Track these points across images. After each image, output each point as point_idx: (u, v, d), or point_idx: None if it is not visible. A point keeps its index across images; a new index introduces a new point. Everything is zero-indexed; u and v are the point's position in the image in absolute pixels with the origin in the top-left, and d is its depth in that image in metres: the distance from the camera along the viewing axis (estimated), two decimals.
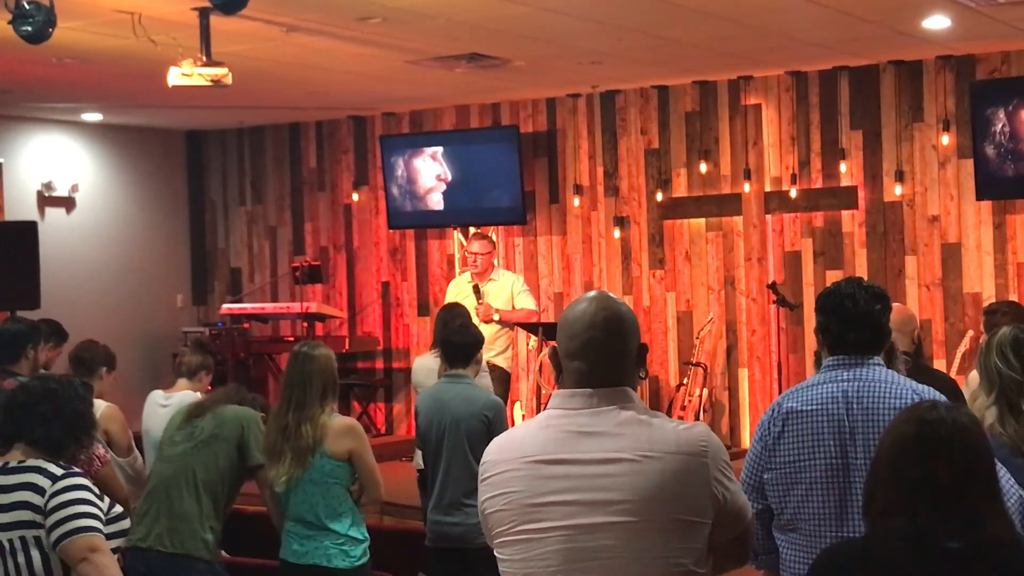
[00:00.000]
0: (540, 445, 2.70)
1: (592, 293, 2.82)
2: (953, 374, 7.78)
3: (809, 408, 3.62)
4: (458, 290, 9.37)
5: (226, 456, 5.25)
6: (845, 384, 3.60)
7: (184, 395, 6.25)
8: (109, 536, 3.94)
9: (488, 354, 8.36)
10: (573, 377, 2.74)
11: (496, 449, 2.79)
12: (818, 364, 4.79)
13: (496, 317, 8.97)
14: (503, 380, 8.86)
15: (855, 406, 3.55)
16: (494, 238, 10.24)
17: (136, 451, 6.10)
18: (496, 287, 9.25)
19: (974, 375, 5.40)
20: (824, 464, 3.58)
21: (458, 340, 5.92)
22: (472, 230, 10.81)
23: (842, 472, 3.56)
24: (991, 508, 2.59)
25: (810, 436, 3.61)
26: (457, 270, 11.01)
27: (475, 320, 8.19)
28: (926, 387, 3.64)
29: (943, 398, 3.55)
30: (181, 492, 5.18)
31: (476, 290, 9.09)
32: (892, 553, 2.55)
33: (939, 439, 2.60)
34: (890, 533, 2.57)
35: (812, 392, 3.66)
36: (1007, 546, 2.56)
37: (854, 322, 3.64)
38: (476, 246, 9.36)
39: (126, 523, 4.18)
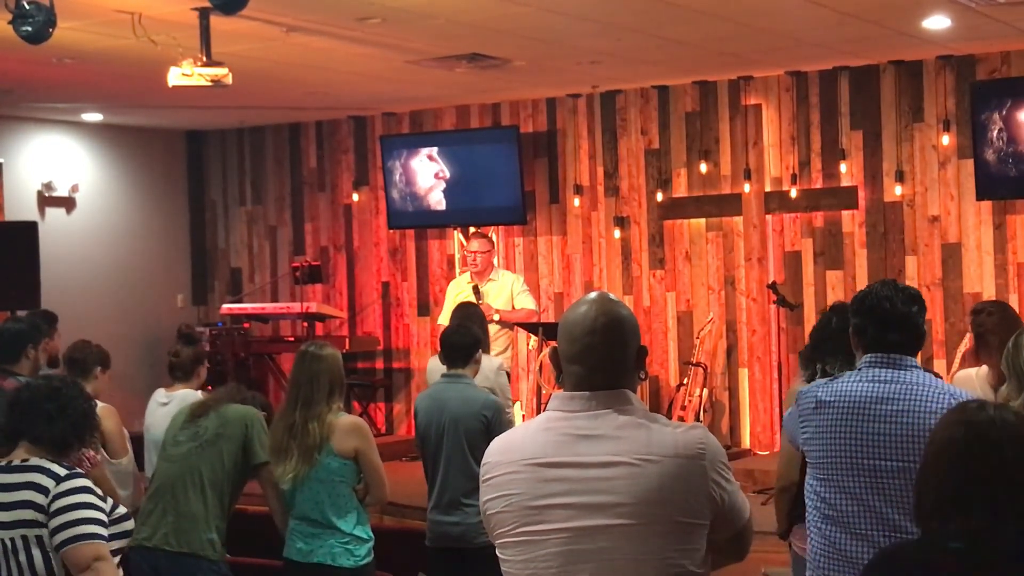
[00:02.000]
0: (540, 448, 2.71)
1: (592, 295, 2.82)
2: (953, 374, 7.78)
3: (839, 403, 3.63)
4: (458, 290, 9.38)
5: (231, 455, 5.26)
6: (882, 385, 3.59)
7: (184, 393, 6.24)
8: (112, 537, 3.95)
9: (491, 353, 8.38)
10: (572, 381, 2.75)
11: (497, 450, 2.80)
12: (803, 363, 4.80)
13: (496, 317, 8.98)
14: None
15: (889, 407, 3.55)
16: (493, 238, 10.25)
17: (130, 453, 6.09)
18: (496, 287, 9.25)
19: (960, 375, 5.41)
20: (847, 463, 3.59)
21: (456, 340, 5.93)
22: (472, 230, 10.82)
23: (868, 473, 3.55)
24: None
25: (834, 432, 3.61)
26: (457, 270, 11.01)
27: None
28: (963, 391, 3.62)
29: (983, 399, 3.55)
30: (187, 491, 5.19)
31: (476, 290, 9.10)
32: (948, 557, 2.52)
33: (989, 440, 2.56)
34: (945, 537, 2.54)
35: (843, 386, 3.66)
36: None
37: (892, 324, 3.65)
38: (475, 244, 9.38)
39: (129, 524, 4.19)
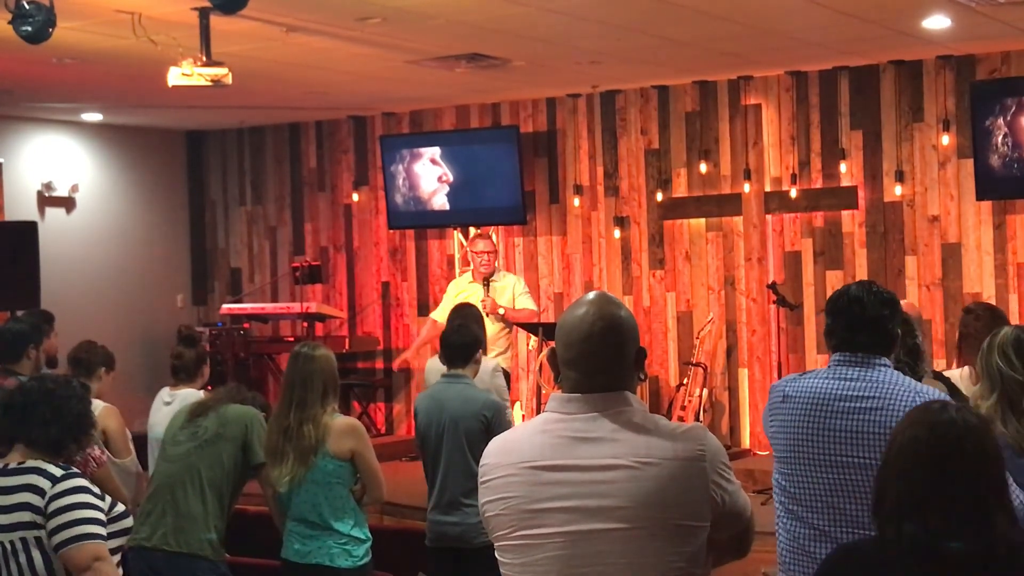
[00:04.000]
0: (537, 450, 2.69)
1: (591, 296, 2.79)
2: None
3: (804, 398, 3.62)
4: (459, 290, 9.39)
5: (230, 455, 5.25)
6: (849, 383, 3.59)
7: (188, 392, 6.24)
8: (111, 535, 3.94)
9: (489, 354, 8.40)
10: (569, 385, 2.73)
11: (494, 452, 2.79)
12: None
13: (501, 311, 9.03)
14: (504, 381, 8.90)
15: (855, 404, 3.54)
16: (494, 239, 10.25)
17: (133, 452, 6.09)
18: (499, 287, 9.28)
19: (951, 374, 5.42)
20: (811, 458, 3.58)
21: (456, 340, 5.93)
22: (472, 230, 10.83)
23: (832, 469, 3.55)
24: (1002, 510, 2.57)
25: (799, 427, 3.61)
26: (457, 270, 11.01)
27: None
28: (930, 388, 3.63)
29: (947, 399, 3.55)
30: (186, 491, 5.18)
31: (486, 282, 9.14)
32: (904, 557, 2.54)
33: (950, 441, 2.57)
34: (901, 536, 2.55)
35: (810, 383, 3.65)
36: (1019, 548, 2.55)
37: (861, 326, 3.64)
38: (482, 245, 9.43)
39: (128, 522, 4.18)
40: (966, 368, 5.23)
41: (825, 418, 3.57)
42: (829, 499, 3.55)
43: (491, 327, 8.87)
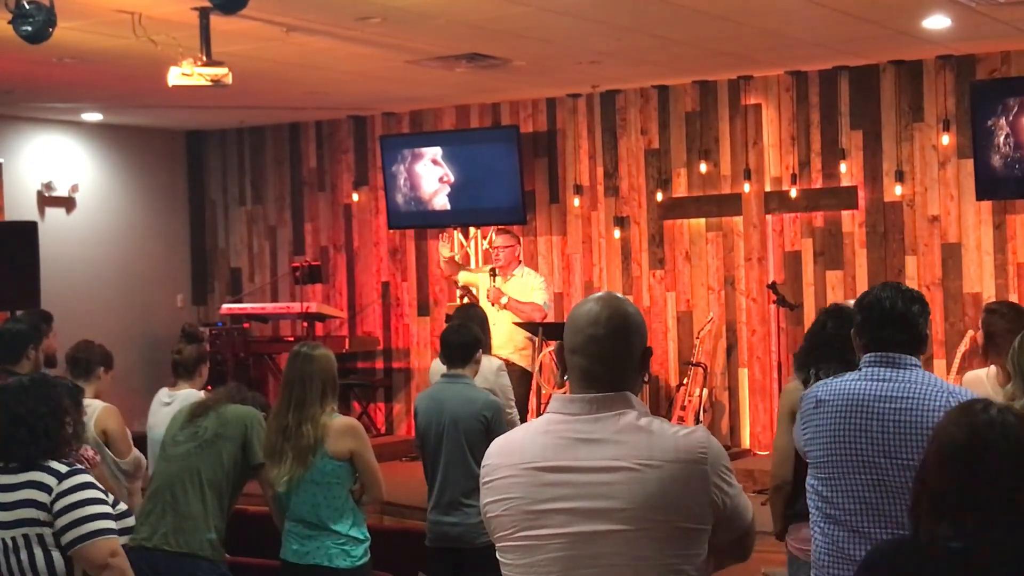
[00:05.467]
0: (539, 451, 2.70)
1: (601, 293, 2.83)
2: (953, 374, 7.79)
3: (838, 402, 3.64)
4: (480, 273, 9.62)
5: (230, 455, 5.25)
6: (882, 384, 3.61)
7: (187, 393, 6.23)
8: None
9: (505, 351, 8.50)
10: (575, 373, 2.74)
11: (496, 452, 2.79)
12: (797, 365, 4.81)
13: (504, 300, 9.08)
14: (523, 378, 8.97)
15: (890, 405, 3.56)
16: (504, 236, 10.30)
17: (135, 451, 6.08)
18: (518, 283, 9.33)
19: (970, 376, 5.42)
20: (848, 461, 3.59)
21: (456, 340, 5.93)
22: (472, 230, 10.84)
23: (869, 471, 3.56)
24: None
25: (835, 431, 3.63)
26: None
27: (485, 303, 8.71)
28: (962, 388, 3.64)
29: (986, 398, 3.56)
30: (186, 491, 5.18)
31: (493, 272, 9.24)
32: (938, 558, 2.52)
33: (987, 442, 2.54)
34: (935, 537, 2.53)
35: (843, 385, 3.67)
36: None
37: (890, 323, 3.67)
38: (499, 240, 9.53)
39: (131, 520, 4.19)
40: (992, 368, 5.23)
41: (861, 420, 3.59)
42: (868, 499, 3.56)
43: (506, 324, 8.93)
